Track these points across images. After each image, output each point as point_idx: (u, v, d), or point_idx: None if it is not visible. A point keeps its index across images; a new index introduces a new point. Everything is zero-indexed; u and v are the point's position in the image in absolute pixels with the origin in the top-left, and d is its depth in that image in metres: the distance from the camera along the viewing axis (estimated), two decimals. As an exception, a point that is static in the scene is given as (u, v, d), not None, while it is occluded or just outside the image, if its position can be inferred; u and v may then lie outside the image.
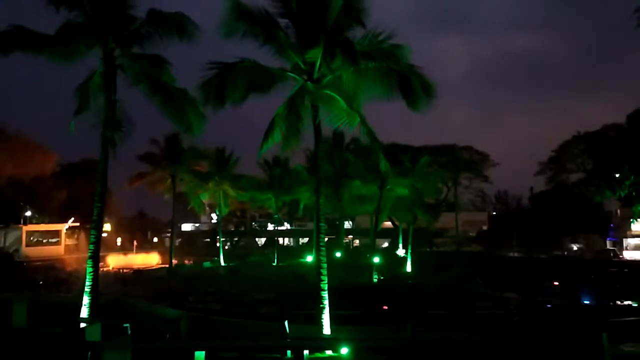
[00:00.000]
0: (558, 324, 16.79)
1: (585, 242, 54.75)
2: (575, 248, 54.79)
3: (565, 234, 55.89)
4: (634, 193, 43.62)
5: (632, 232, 52.14)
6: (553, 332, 15.42)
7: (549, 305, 22.61)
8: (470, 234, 68.70)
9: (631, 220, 49.26)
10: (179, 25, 16.28)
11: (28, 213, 56.32)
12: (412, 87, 14.46)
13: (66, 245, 54.76)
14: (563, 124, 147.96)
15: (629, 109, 52.56)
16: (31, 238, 51.59)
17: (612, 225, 55.51)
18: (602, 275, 33.20)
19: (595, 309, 21.60)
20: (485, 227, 70.95)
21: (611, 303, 22.94)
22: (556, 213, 57.40)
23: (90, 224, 16.96)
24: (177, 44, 16.52)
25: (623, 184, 44.26)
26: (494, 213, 75.14)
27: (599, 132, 58.83)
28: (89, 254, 16.20)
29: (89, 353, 10.12)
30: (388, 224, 57.41)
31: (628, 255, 49.69)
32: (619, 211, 53.73)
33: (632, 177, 43.19)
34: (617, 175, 44.98)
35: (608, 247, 53.25)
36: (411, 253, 40.39)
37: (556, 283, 28.77)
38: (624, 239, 52.61)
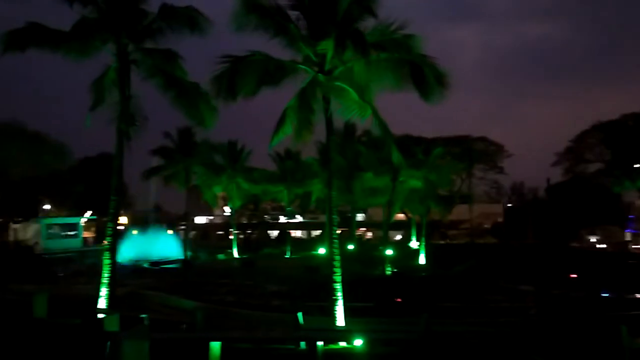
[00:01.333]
0: (575, 317, 16.67)
1: (603, 233, 54.08)
2: (593, 240, 54.16)
3: (583, 226, 55.24)
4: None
5: (652, 223, 51.31)
6: (570, 325, 15.31)
7: (566, 298, 22.42)
8: (485, 226, 68.24)
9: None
10: (190, 20, 16.38)
11: (47, 207, 57.27)
12: (425, 77, 14.36)
13: (84, 238, 55.59)
14: (580, 114, 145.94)
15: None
16: (50, 231, 52.43)
17: (631, 216, 54.69)
18: (621, 267, 32.77)
19: (614, 301, 21.35)
20: (500, 219, 70.39)
21: (630, 296, 22.66)
22: (573, 204, 56.69)
23: (107, 216, 17.21)
24: (188, 37, 16.64)
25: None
26: (510, 205, 74.46)
27: (617, 122, 57.78)
28: (106, 246, 16.47)
29: (108, 343, 10.30)
30: (401, 216, 57.30)
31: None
32: (638, 202, 52.90)
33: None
34: (637, 165, 44.27)
35: (627, 238, 52.53)
36: (424, 245, 40.28)
37: (574, 275, 28.49)
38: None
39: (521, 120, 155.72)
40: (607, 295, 22.76)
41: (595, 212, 54.40)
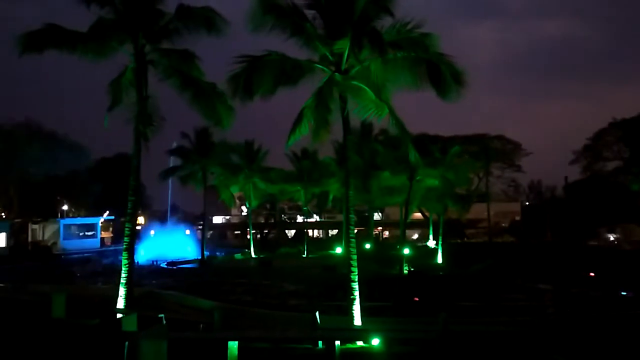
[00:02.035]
0: (594, 316, 16.42)
1: (622, 232, 53.18)
2: (612, 238, 53.29)
3: (602, 224, 54.39)
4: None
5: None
6: (589, 324, 15.08)
7: (584, 297, 22.11)
8: (503, 224, 67.56)
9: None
10: (207, 20, 16.39)
11: (65, 207, 58.03)
12: (442, 76, 14.22)
13: (102, 238, 56.20)
14: (598, 111, 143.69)
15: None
16: (68, 231, 53.10)
17: (651, 214, 53.69)
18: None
19: (634, 300, 21.00)
20: (517, 218, 69.62)
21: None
22: (592, 203, 55.86)
23: (124, 217, 17.33)
24: (205, 38, 16.67)
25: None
26: (527, 203, 73.59)
27: (635, 119, 56.81)
28: (124, 246, 16.57)
29: (126, 343, 10.35)
30: (418, 215, 56.98)
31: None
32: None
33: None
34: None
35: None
36: (442, 244, 40.01)
37: (592, 274, 28.09)
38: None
39: (539, 118, 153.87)
40: (625, 294, 22.41)
41: (613, 210, 53.53)
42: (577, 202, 58.61)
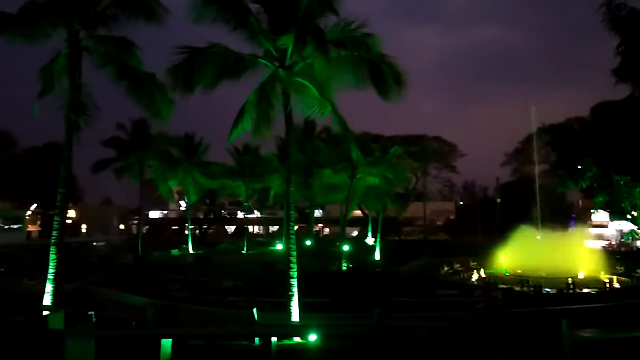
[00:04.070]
0: (520, 311, 17.32)
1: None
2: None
3: (528, 224, 57.35)
4: (595, 185, 44.84)
5: (593, 223, 53.93)
6: (515, 319, 15.90)
7: (511, 293, 23.25)
8: (438, 223, 69.95)
9: (592, 211, 50.84)
10: (146, 8, 15.84)
11: (-12, 199, 54.53)
12: (383, 76, 14.54)
13: (29, 232, 53.33)
14: (530, 116, 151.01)
15: (593, 103, 53.75)
16: (-8, 224, 50.05)
17: (573, 215, 57.27)
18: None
19: (556, 297, 22.29)
20: (452, 217, 72.24)
21: (571, 291, 23.70)
22: (521, 203, 58.75)
23: (54, 210, 16.51)
24: (145, 27, 16.12)
25: (585, 176, 45.44)
26: (461, 203, 76.51)
27: (563, 125, 60.26)
28: (53, 240, 15.78)
29: (51, 341, 9.88)
30: (358, 213, 57.90)
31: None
32: (580, 202, 55.36)
33: (594, 169, 44.33)
34: (580, 167, 46.17)
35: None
36: (380, 242, 40.83)
37: (520, 272, 29.57)
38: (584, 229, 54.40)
39: (474, 121, 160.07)
40: (548, 290, 23.76)
41: (540, 210, 56.61)
42: (507, 203, 61.50)
